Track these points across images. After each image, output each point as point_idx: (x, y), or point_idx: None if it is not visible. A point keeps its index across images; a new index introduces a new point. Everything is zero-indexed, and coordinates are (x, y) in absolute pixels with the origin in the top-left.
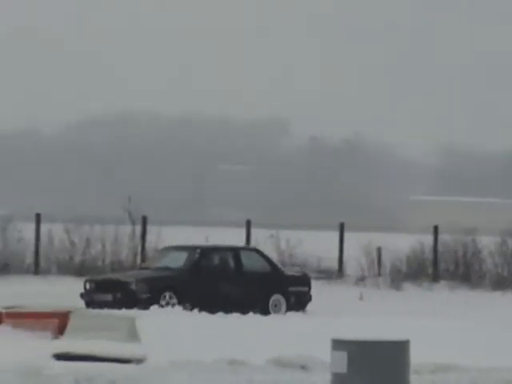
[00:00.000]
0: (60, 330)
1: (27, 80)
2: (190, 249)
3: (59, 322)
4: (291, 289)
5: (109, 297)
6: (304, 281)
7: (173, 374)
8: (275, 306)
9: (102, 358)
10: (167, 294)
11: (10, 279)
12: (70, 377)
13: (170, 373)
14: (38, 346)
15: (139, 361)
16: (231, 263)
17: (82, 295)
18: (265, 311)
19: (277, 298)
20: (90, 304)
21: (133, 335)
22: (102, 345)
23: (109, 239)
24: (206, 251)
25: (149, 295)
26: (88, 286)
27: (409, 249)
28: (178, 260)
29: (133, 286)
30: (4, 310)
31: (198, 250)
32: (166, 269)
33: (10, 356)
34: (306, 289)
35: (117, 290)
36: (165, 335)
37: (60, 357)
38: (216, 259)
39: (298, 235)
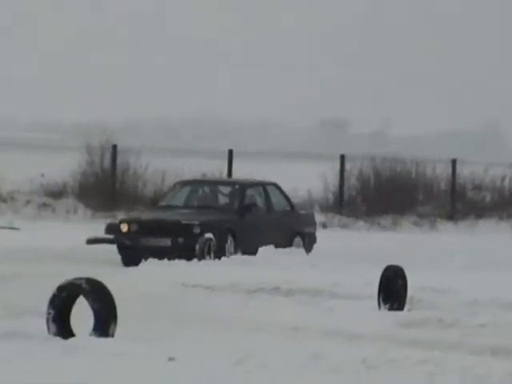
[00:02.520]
0: None
1: None
2: (227, 184)
3: None
4: (306, 229)
5: (166, 241)
6: (313, 221)
7: None
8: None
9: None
10: (229, 240)
11: None
12: None
13: None
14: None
15: None
16: (264, 200)
17: (116, 237)
18: None
19: (298, 239)
20: (131, 249)
21: None
22: None
23: None
24: (245, 187)
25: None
26: (127, 228)
27: None
28: (218, 198)
29: (196, 230)
30: None
31: (238, 186)
32: (215, 209)
33: None
34: (315, 229)
35: (176, 233)
36: None
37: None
38: (254, 196)
39: None
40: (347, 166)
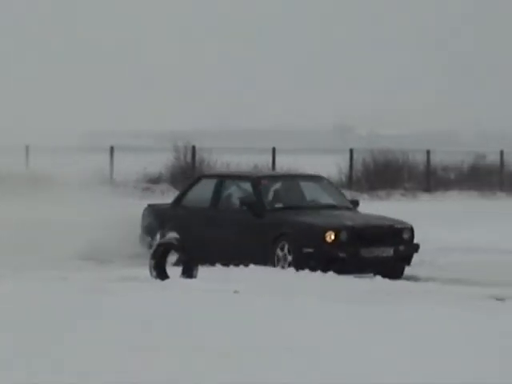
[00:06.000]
0: None
1: None
2: (304, 178)
3: None
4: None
5: (388, 251)
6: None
7: None
8: None
9: None
10: None
11: None
12: None
13: None
14: None
15: None
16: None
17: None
18: None
19: None
20: (348, 262)
21: None
22: None
23: None
24: (326, 181)
25: None
26: (332, 237)
27: None
28: (303, 193)
29: (406, 235)
30: None
31: (325, 181)
32: (335, 208)
33: None
34: None
35: (391, 240)
36: None
37: None
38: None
39: None
40: (354, 156)
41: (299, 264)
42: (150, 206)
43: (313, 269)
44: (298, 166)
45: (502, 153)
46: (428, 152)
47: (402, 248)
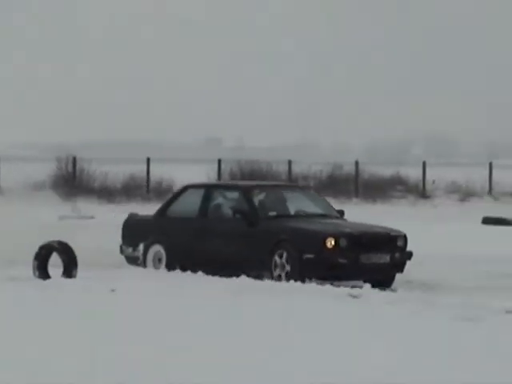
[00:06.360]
0: None
1: None
2: (300, 189)
3: None
4: None
5: (385, 258)
6: None
7: None
8: None
9: None
10: None
11: None
12: None
13: None
14: None
15: None
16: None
17: (333, 255)
18: None
19: None
20: (348, 268)
21: None
22: None
23: None
24: (308, 190)
25: None
26: (332, 243)
27: None
28: (287, 202)
29: (400, 242)
30: None
31: (306, 190)
32: (323, 216)
33: None
34: None
35: (387, 247)
36: None
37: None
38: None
39: None
40: (222, 166)
41: (299, 270)
42: (130, 216)
43: (313, 274)
44: (170, 175)
45: (356, 163)
46: (289, 162)
47: (397, 255)
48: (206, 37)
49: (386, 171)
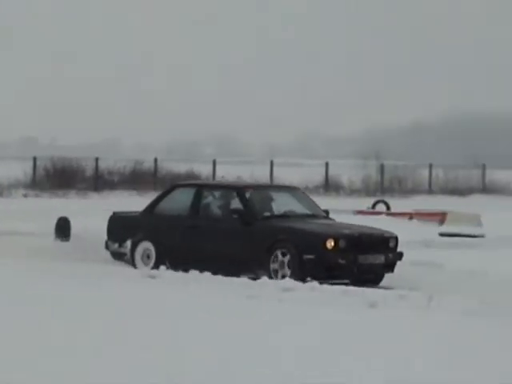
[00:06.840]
0: (442, 222)
1: None
2: (289, 189)
3: (441, 217)
4: None
5: (380, 258)
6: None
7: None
8: None
9: (463, 235)
10: None
11: None
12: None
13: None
14: (429, 229)
15: (481, 236)
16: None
17: (333, 255)
18: None
19: None
20: (346, 268)
21: (478, 223)
22: (464, 228)
23: None
24: (298, 190)
25: None
26: (332, 244)
27: None
28: (273, 203)
29: (392, 243)
30: (413, 211)
31: (296, 191)
32: (312, 216)
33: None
34: None
35: (381, 248)
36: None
37: (443, 234)
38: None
39: None
40: (38, 163)
41: (299, 270)
42: (116, 213)
43: (313, 275)
44: None
45: (156, 160)
46: (97, 159)
47: (390, 256)
48: None
49: (182, 167)
